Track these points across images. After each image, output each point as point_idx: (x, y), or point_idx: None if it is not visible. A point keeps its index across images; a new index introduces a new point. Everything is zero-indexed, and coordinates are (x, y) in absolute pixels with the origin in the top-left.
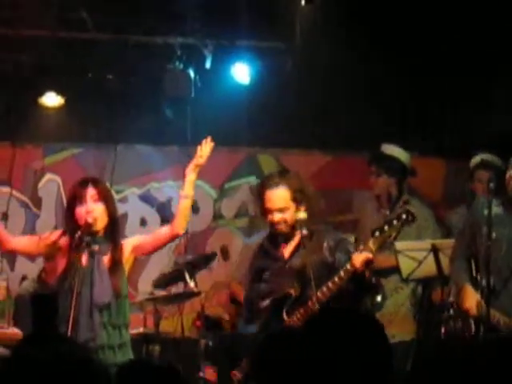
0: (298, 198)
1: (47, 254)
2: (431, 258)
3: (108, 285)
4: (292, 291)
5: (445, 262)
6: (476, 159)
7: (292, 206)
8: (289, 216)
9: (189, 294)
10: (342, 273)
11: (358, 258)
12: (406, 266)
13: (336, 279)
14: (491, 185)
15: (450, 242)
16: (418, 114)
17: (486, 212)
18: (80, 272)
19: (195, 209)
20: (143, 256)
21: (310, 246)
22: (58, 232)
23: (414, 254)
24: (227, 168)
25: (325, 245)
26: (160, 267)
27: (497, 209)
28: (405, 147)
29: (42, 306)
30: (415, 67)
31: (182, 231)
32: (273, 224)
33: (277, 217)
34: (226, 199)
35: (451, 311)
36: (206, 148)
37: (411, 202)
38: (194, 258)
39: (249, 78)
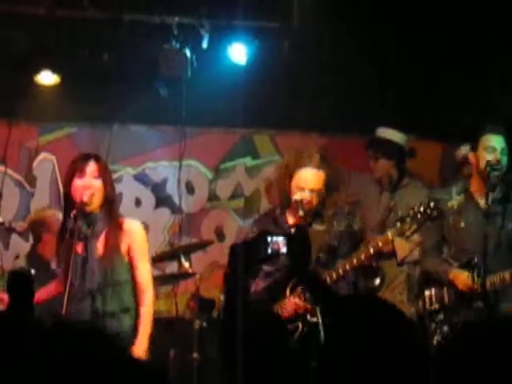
0: (331, 184)
1: None
2: None
3: (98, 271)
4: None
5: None
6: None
7: (323, 190)
8: (316, 199)
9: (183, 275)
10: (362, 254)
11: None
12: (401, 249)
13: (354, 260)
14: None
15: None
16: (415, 96)
17: (449, 204)
18: (75, 259)
19: (190, 189)
20: None
21: (319, 228)
22: None
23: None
24: (222, 149)
25: (334, 229)
26: (154, 246)
27: (459, 197)
28: (402, 130)
29: (19, 284)
30: (415, 49)
31: None
32: (297, 202)
33: (307, 195)
34: (221, 180)
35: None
36: None
37: (411, 184)
38: (190, 244)
39: (245, 59)
